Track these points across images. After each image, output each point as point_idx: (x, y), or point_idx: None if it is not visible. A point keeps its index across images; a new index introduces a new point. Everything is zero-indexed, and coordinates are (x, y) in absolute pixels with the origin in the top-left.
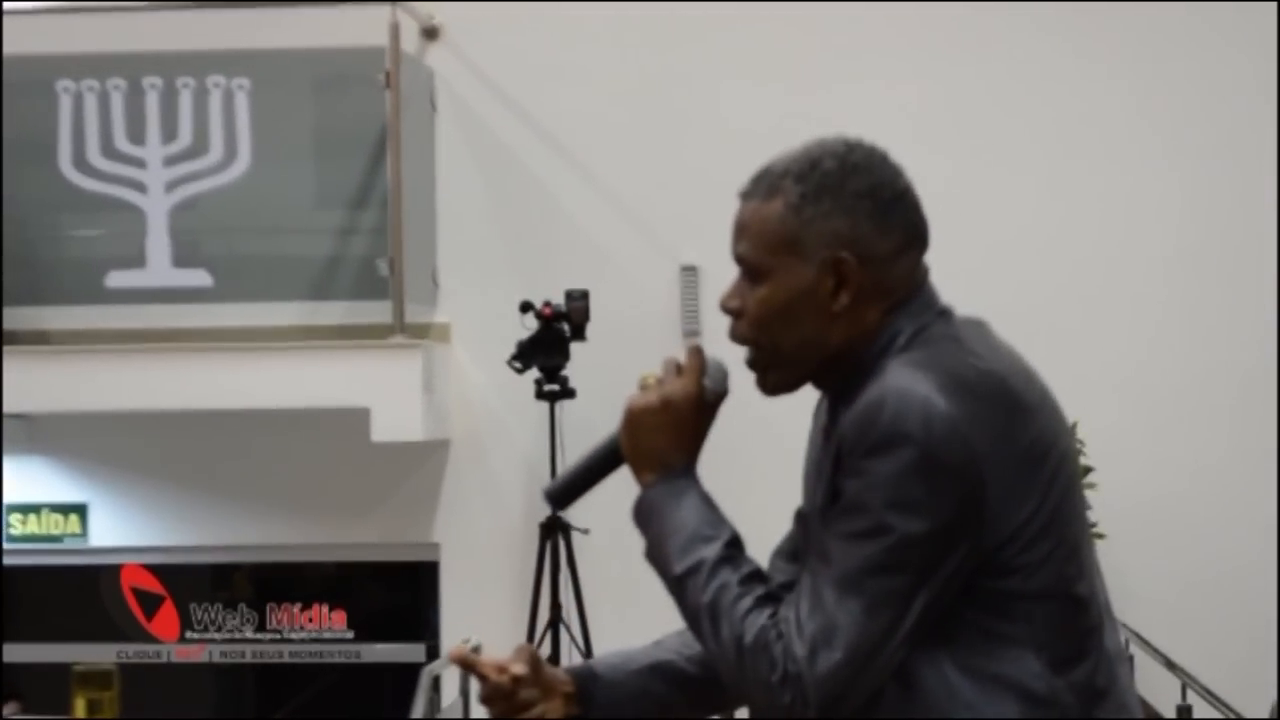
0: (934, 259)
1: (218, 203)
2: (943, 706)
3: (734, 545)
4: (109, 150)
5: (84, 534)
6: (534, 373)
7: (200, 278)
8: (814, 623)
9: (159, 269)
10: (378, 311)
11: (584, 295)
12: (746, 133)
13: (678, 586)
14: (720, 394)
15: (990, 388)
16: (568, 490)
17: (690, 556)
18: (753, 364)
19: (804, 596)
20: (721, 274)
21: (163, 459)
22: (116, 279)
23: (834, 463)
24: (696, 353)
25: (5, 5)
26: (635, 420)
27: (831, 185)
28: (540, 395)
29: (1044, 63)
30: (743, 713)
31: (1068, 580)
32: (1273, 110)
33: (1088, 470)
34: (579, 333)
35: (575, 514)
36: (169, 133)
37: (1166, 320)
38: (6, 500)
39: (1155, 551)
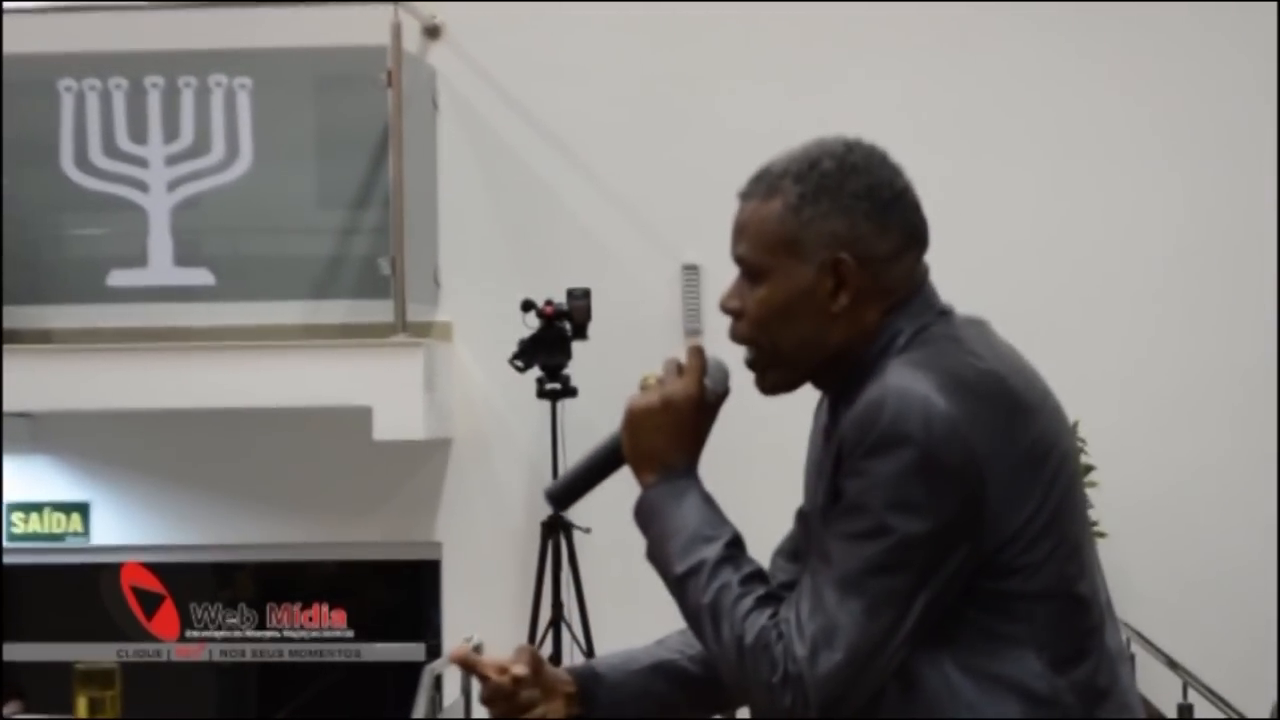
0: (934, 259)
1: (220, 202)
2: (944, 707)
3: (735, 545)
4: (111, 149)
5: (86, 533)
6: (535, 371)
7: (202, 277)
8: (815, 623)
9: (161, 268)
10: (379, 310)
11: (585, 294)
12: (746, 132)
13: (679, 587)
14: (721, 394)
15: (991, 388)
16: (569, 491)
17: (691, 557)
18: (752, 364)
19: (805, 597)
20: (723, 273)
21: (164, 458)
22: (118, 278)
23: (834, 463)
24: (697, 353)
25: (7, 4)
26: (636, 421)
27: (830, 186)
28: (542, 394)
29: (1044, 62)
30: (744, 713)
31: (1069, 580)
32: (1273, 110)
33: (1089, 469)
34: (580, 331)
35: (577, 513)
36: (171, 132)
37: (1167, 320)
38: (8, 499)
39: (1156, 550)
